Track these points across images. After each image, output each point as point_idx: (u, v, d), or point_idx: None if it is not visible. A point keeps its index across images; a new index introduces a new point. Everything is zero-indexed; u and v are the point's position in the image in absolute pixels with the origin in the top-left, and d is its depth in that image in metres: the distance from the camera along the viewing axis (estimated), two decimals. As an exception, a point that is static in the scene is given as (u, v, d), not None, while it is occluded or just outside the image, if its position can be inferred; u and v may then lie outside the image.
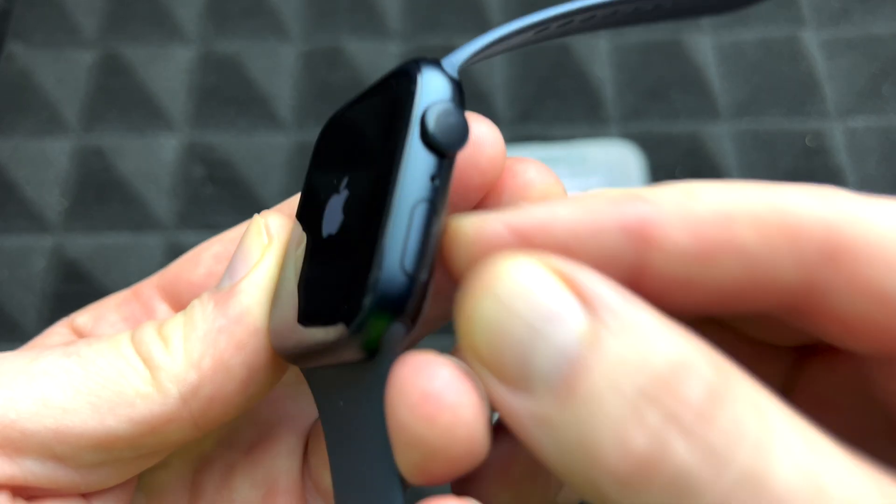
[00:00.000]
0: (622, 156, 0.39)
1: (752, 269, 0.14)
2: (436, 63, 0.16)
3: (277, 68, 0.43)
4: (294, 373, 0.20)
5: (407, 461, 0.15)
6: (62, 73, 0.43)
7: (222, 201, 0.40)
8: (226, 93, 0.43)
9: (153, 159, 0.41)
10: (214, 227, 0.39)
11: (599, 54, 0.43)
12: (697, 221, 0.14)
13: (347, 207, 0.17)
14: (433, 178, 0.15)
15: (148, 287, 0.22)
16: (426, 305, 0.15)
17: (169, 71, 0.43)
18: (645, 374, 0.12)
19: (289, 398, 0.22)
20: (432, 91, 0.16)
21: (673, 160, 0.40)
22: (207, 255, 0.22)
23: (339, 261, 0.16)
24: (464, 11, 0.44)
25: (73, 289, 0.38)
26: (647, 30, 0.43)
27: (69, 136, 0.42)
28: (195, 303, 0.18)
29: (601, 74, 0.42)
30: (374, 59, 0.43)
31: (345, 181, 0.17)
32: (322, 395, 0.18)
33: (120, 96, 0.43)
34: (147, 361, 0.18)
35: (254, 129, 0.42)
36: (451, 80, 0.16)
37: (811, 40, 0.42)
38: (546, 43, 0.44)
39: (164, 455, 0.19)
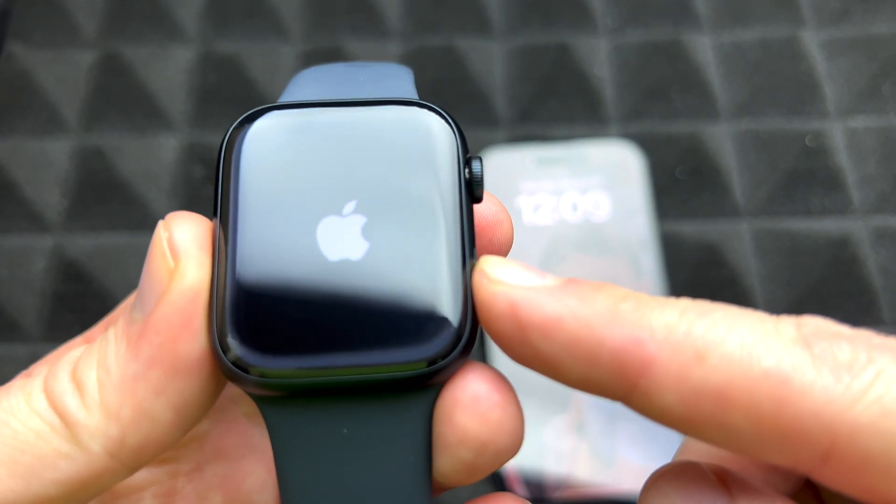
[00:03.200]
0: (622, 156, 0.39)
1: (741, 447, 0.14)
2: (443, 110, 0.17)
3: (277, 68, 0.43)
4: (251, 404, 0.20)
5: (456, 460, 0.16)
6: (62, 73, 0.43)
7: (222, 201, 0.40)
8: (226, 93, 0.43)
9: (153, 159, 0.41)
10: (214, 227, 0.39)
11: (599, 54, 0.43)
12: (693, 391, 0.14)
13: (375, 235, 0.17)
14: (472, 226, 0.17)
15: (98, 332, 0.22)
16: None
17: (169, 71, 0.43)
18: None
19: (256, 427, 0.21)
20: (463, 141, 0.17)
21: (673, 160, 0.40)
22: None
23: (380, 292, 0.16)
24: (464, 11, 0.44)
25: (73, 289, 0.38)
26: (647, 30, 0.43)
27: (69, 136, 0.42)
28: (109, 335, 0.17)
29: (601, 74, 0.42)
30: (374, 59, 0.43)
31: (352, 204, 0.17)
32: (298, 424, 0.17)
33: (120, 96, 0.43)
34: (63, 417, 0.16)
35: (254, 129, 0.42)
36: (461, 131, 0.17)
37: (811, 40, 0.42)
38: (546, 43, 0.44)
39: (106, 496, 0.18)
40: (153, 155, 0.41)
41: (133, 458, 0.16)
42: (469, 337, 0.16)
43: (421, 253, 0.16)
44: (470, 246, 0.17)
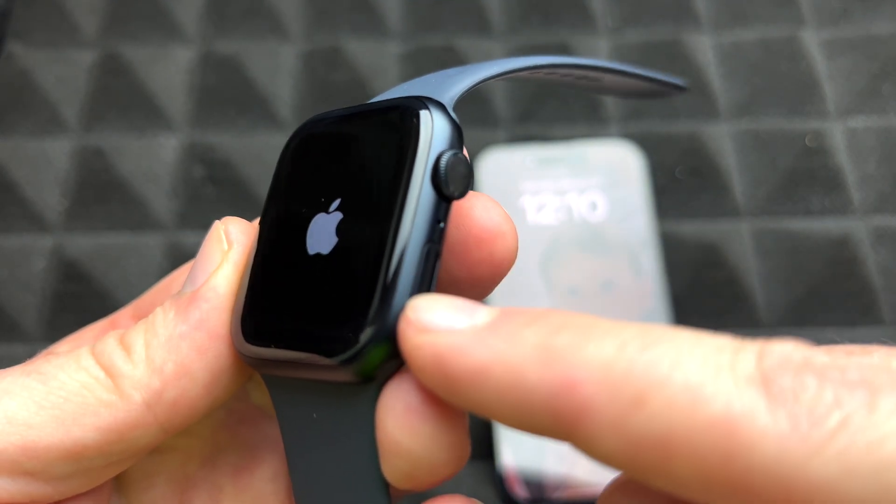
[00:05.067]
0: (622, 156, 0.39)
1: (692, 497, 0.13)
2: (441, 106, 0.17)
3: (277, 68, 0.43)
4: (262, 395, 0.21)
5: (395, 469, 0.16)
6: (62, 73, 0.43)
7: (222, 201, 0.40)
8: (226, 93, 0.43)
9: (153, 159, 0.41)
10: (214, 227, 0.39)
11: (599, 54, 0.43)
12: (632, 440, 0.12)
13: (344, 231, 0.17)
14: (439, 223, 0.16)
15: (124, 316, 0.23)
16: None
17: (169, 71, 0.43)
18: None
19: (269, 419, 0.22)
20: (442, 137, 0.16)
21: (673, 160, 0.40)
22: (181, 280, 0.22)
23: (331, 284, 0.17)
24: (464, 11, 0.44)
25: (73, 289, 0.38)
26: (647, 30, 0.43)
27: (69, 136, 0.42)
28: (157, 310, 0.19)
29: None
30: (374, 59, 0.43)
31: (337, 202, 0.17)
32: (287, 403, 0.18)
33: (120, 96, 0.43)
34: (109, 370, 0.18)
35: (254, 129, 0.42)
36: (457, 126, 0.17)
37: (811, 40, 0.42)
38: (546, 43, 0.44)
39: (134, 461, 0.19)
40: (153, 155, 0.41)
41: (167, 414, 0.18)
42: (395, 339, 0.15)
43: (366, 251, 0.16)
44: (421, 243, 0.16)
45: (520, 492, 0.33)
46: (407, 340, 0.15)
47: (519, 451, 0.33)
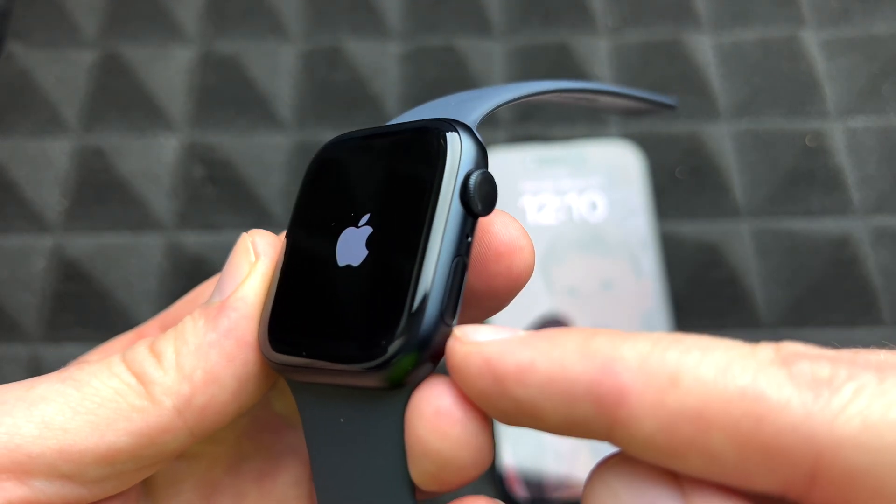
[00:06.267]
0: (622, 156, 0.39)
1: (727, 474, 0.14)
2: (467, 128, 0.18)
3: (277, 68, 0.43)
4: (286, 402, 0.22)
5: (422, 471, 0.17)
6: (62, 73, 0.43)
7: (222, 201, 0.40)
8: (226, 93, 0.43)
9: (153, 159, 0.41)
10: (214, 227, 0.39)
11: (599, 54, 0.43)
12: (670, 417, 0.14)
13: (374, 244, 0.18)
14: (467, 237, 0.17)
15: (151, 328, 0.23)
16: None
17: (169, 71, 0.43)
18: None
19: (291, 427, 0.22)
20: (469, 157, 0.18)
21: (673, 160, 0.40)
22: (207, 293, 0.22)
23: (362, 293, 0.17)
24: (464, 11, 0.44)
25: (73, 289, 0.38)
26: (647, 30, 0.43)
27: (69, 136, 0.42)
28: (187, 319, 0.19)
29: (601, 74, 0.42)
30: (374, 59, 0.43)
31: (366, 217, 0.18)
32: (313, 407, 0.19)
33: (120, 96, 0.43)
34: (140, 377, 0.18)
35: (254, 129, 0.42)
36: (482, 147, 0.18)
37: (811, 40, 0.42)
38: (546, 43, 0.44)
39: (163, 464, 0.20)
40: (153, 155, 0.41)
41: (196, 419, 0.18)
42: (436, 348, 0.16)
43: (397, 262, 0.17)
44: (451, 256, 0.17)
45: (520, 492, 0.33)
46: (456, 354, 0.16)
47: (519, 451, 0.33)
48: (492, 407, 0.16)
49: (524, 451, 0.33)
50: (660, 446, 0.14)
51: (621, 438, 0.14)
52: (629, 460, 0.15)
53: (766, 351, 0.14)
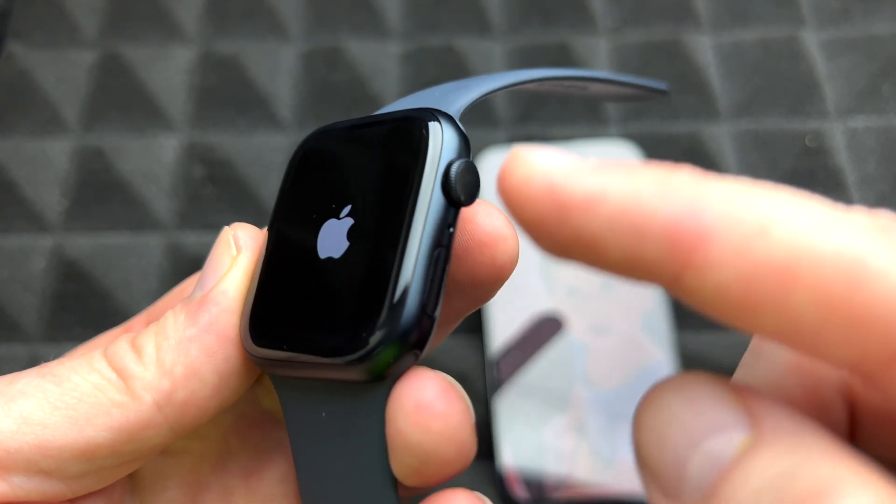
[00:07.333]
0: (622, 156, 0.39)
1: (799, 338, 0.12)
2: (449, 117, 0.18)
3: (277, 68, 0.43)
4: (271, 399, 0.22)
5: (404, 466, 0.16)
6: (62, 73, 0.43)
7: (222, 201, 0.40)
8: (226, 93, 0.43)
9: (153, 159, 0.41)
10: (214, 227, 0.39)
11: (599, 54, 0.43)
12: (754, 266, 0.12)
13: (355, 236, 0.18)
14: (449, 227, 0.17)
15: (138, 323, 0.23)
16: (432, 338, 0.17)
17: (169, 71, 0.43)
18: (786, 493, 0.12)
19: (278, 424, 0.22)
20: (451, 146, 0.17)
21: (673, 160, 0.40)
22: (193, 287, 0.22)
23: (343, 286, 0.17)
24: (464, 11, 0.44)
25: (73, 289, 0.38)
26: (647, 30, 0.43)
27: (69, 136, 0.42)
28: (168, 313, 0.19)
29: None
30: (374, 59, 0.43)
31: (347, 208, 0.18)
32: (295, 402, 0.19)
33: (120, 96, 0.43)
34: (121, 372, 0.18)
35: (254, 129, 0.42)
36: (464, 136, 0.18)
37: (811, 40, 0.42)
38: (546, 43, 0.44)
39: (144, 460, 0.19)
40: (153, 155, 0.41)
41: (176, 415, 0.18)
42: (419, 338, 0.16)
43: (378, 254, 0.17)
44: (433, 247, 0.16)
45: (520, 492, 0.33)
46: (514, 173, 0.14)
47: (519, 451, 0.33)
48: (545, 236, 0.14)
49: (524, 451, 0.33)
50: (733, 297, 0.12)
51: (689, 285, 0.13)
52: (688, 380, 0.14)
53: (860, 216, 0.13)
